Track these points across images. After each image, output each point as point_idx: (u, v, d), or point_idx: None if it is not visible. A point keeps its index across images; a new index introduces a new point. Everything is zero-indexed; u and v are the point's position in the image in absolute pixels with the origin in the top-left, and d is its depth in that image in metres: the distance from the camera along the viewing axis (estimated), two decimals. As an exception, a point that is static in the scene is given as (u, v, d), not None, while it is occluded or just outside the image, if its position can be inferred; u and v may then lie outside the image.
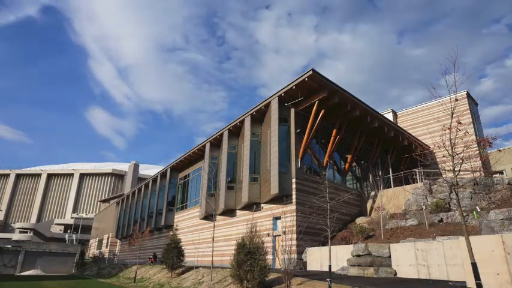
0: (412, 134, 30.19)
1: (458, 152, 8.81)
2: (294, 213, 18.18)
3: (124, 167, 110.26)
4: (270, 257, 16.79)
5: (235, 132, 25.25)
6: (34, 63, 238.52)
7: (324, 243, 18.30)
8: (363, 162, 27.67)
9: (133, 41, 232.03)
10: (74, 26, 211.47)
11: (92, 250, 62.30)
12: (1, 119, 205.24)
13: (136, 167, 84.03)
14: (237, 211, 23.72)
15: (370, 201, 23.97)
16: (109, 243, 52.65)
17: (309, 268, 17.16)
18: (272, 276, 13.14)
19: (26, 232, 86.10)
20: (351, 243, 16.57)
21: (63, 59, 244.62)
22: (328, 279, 10.24)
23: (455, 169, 8.81)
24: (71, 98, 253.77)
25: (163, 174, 36.94)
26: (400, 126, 31.33)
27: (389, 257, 13.50)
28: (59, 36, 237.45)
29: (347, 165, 24.42)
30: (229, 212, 24.40)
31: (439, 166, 12.73)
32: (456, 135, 8.72)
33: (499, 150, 31.68)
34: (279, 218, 19.31)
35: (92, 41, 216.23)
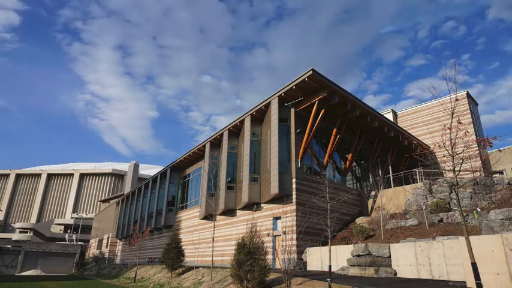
0: (412, 134, 30.19)
1: (458, 152, 8.80)
2: (294, 213, 18.18)
3: (124, 167, 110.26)
4: (270, 257, 16.79)
5: (235, 132, 25.25)
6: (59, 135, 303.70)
7: (324, 243, 18.30)
8: (362, 162, 27.67)
9: (132, 130, 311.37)
10: (88, 121, 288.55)
11: (92, 250, 62.30)
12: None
13: (136, 167, 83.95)
14: (237, 211, 23.72)
15: (370, 201, 23.98)
16: (109, 243, 52.65)
17: (309, 268, 17.16)
18: (272, 276, 13.14)
19: (26, 232, 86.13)
20: (351, 243, 16.58)
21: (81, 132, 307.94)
22: (328, 279, 10.24)
23: (455, 169, 8.81)
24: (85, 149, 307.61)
25: (163, 174, 36.94)
26: (400, 126, 31.32)
27: (390, 257, 13.50)
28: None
29: (347, 165, 24.42)
30: (229, 212, 24.40)
31: (439, 166, 12.71)
32: (456, 135, 8.72)
33: (499, 150, 31.72)
34: (279, 218, 19.32)
35: (104, 127, 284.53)
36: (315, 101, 19.83)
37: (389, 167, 27.02)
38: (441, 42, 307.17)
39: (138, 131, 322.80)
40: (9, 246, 43.13)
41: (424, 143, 26.59)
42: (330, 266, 11.04)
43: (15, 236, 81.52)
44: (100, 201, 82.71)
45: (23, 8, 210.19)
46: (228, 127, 25.06)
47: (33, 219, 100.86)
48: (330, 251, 11.59)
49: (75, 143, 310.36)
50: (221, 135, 26.23)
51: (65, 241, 68.78)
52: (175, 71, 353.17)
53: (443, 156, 9.24)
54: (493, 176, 21.56)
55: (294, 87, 19.66)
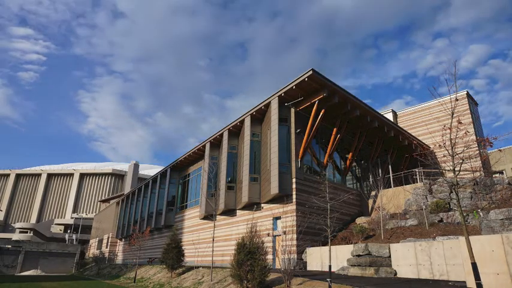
0: (412, 134, 30.19)
1: (458, 152, 8.81)
2: (294, 213, 18.18)
3: (124, 167, 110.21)
4: (270, 257, 16.78)
5: (235, 132, 25.25)
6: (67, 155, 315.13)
7: (324, 243, 18.30)
8: (362, 162, 27.67)
9: (134, 152, 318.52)
10: (92, 143, 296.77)
11: (92, 250, 62.28)
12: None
13: (136, 167, 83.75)
14: (237, 211, 23.72)
15: (370, 201, 23.97)
16: (109, 243, 52.64)
17: (309, 268, 17.16)
18: (272, 276, 13.14)
19: (26, 232, 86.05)
20: (351, 243, 16.58)
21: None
22: (328, 279, 10.24)
23: (456, 169, 8.81)
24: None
25: (163, 174, 36.94)
26: (400, 126, 31.33)
27: (390, 257, 13.50)
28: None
29: (347, 165, 24.42)
30: (229, 212, 24.40)
31: (439, 166, 12.71)
32: (456, 135, 8.72)
33: (499, 150, 31.72)
34: (279, 218, 19.32)
35: (107, 149, 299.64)
36: (315, 101, 19.83)
37: (390, 167, 27.00)
38: (383, 90, 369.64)
39: (140, 153, 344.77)
40: (9, 246, 43.13)
41: (424, 143, 26.62)
42: (330, 266, 11.05)
43: (15, 236, 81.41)
44: (100, 201, 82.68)
45: (47, 72, 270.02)
46: (228, 127, 25.06)
47: (33, 219, 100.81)
48: (330, 251, 11.59)
49: (78, 155, 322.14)
50: (221, 135, 26.22)
51: (65, 241, 68.81)
52: (171, 113, 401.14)
53: (443, 156, 9.24)
54: (493, 176, 21.56)
55: (294, 87, 19.65)
